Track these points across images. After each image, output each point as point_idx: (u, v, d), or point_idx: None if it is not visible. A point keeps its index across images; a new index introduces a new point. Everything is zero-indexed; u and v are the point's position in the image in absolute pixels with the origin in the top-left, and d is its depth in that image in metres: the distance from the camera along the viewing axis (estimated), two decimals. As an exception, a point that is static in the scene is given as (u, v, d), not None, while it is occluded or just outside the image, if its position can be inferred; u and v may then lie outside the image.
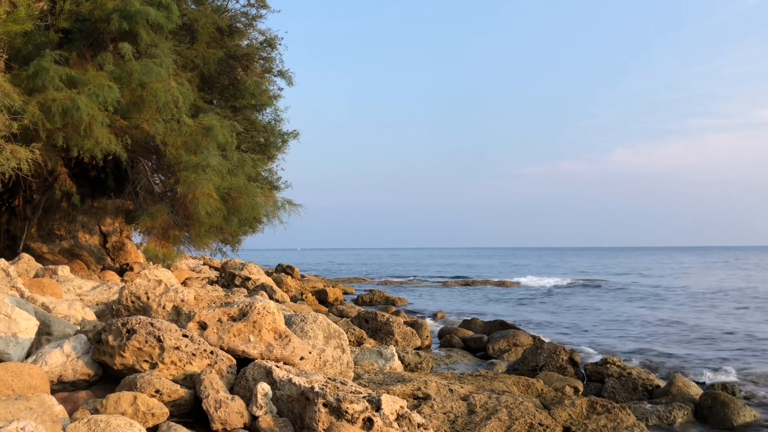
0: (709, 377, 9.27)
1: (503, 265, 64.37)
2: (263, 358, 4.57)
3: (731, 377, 9.29)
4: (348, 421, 3.69)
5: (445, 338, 12.43)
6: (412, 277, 40.73)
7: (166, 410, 3.77)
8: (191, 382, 4.18)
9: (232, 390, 4.26)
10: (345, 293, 23.59)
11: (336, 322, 9.87)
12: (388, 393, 4.57)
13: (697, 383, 8.39)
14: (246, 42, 15.17)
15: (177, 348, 4.20)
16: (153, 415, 3.69)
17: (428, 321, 15.43)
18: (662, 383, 8.32)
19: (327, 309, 15.66)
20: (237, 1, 14.96)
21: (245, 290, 14.80)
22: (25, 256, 9.46)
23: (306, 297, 18.06)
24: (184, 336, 4.32)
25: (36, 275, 9.00)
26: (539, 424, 5.61)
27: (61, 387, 4.21)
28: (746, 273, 43.57)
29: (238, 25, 14.88)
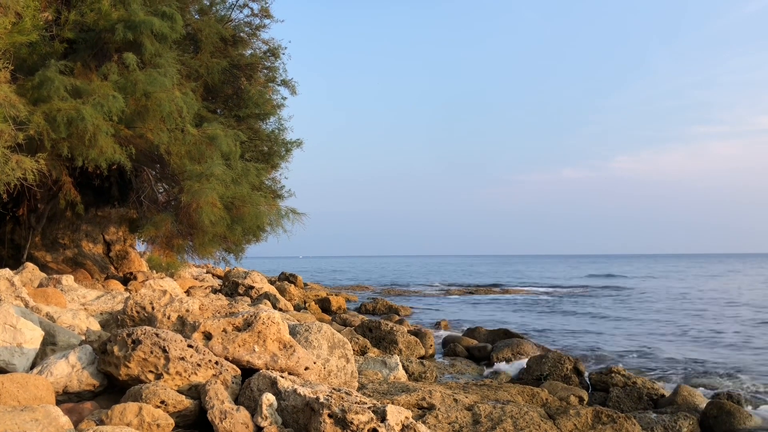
0: (715, 386, 9.23)
1: (506, 273, 64.20)
2: (268, 369, 4.56)
3: (737, 386, 9.24)
4: (353, 432, 3.68)
5: (449, 347, 12.39)
6: (414, 285, 40.65)
7: (172, 421, 3.77)
8: (196, 392, 4.17)
9: (237, 401, 4.26)
10: (348, 301, 23.54)
11: (339, 331, 9.86)
12: (392, 403, 4.56)
13: (703, 392, 8.35)
14: (249, 51, 15.26)
15: (182, 358, 4.20)
16: (158, 425, 3.69)
17: (431, 330, 15.40)
18: (667, 392, 8.28)
19: (330, 318, 15.63)
20: (241, 11, 15.05)
21: (249, 299, 14.80)
22: (30, 265, 9.48)
23: (309, 305, 18.04)
24: (189, 346, 4.32)
25: (40, 285, 9.01)
26: (544, 434, 5.59)
27: (66, 398, 4.21)
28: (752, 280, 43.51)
29: (241, 34, 14.97)
